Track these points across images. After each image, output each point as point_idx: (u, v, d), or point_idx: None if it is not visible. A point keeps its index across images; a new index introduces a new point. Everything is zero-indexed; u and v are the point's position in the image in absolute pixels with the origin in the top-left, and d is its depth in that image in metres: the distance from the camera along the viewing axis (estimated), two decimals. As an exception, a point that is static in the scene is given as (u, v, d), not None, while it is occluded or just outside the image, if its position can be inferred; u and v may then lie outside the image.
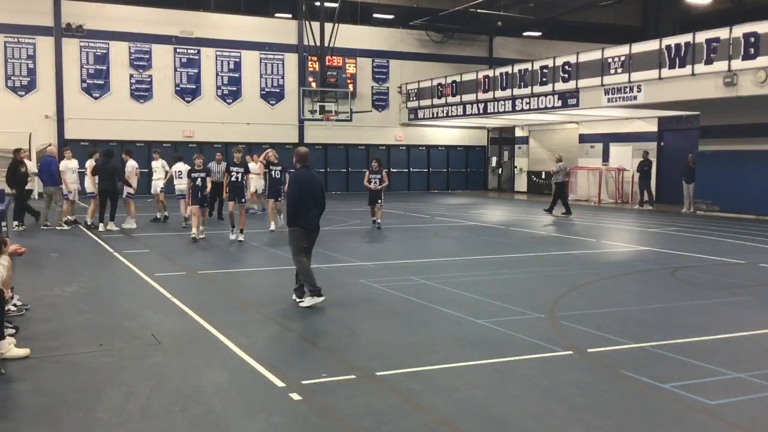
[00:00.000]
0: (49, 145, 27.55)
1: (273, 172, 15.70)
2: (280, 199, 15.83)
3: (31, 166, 17.73)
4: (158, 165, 18.21)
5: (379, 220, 17.46)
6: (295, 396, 5.47)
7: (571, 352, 6.70)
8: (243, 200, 14.81)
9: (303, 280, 8.58)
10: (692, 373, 6.16)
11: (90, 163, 16.87)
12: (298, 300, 8.66)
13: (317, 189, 8.72)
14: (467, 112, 29.46)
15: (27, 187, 17.55)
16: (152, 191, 18.19)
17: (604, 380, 6.03)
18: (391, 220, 19.73)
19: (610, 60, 22.42)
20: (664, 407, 5.38)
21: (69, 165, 17.01)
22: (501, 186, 36.43)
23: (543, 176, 33.38)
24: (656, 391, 5.66)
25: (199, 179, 14.57)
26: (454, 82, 30.21)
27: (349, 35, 31.92)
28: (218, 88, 30.97)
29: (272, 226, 16.12)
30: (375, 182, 17.15)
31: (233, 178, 14.49)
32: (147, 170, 20.48)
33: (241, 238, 14.41)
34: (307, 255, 8.73)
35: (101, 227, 16.15)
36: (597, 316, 8.22)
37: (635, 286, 10.49)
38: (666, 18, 35.80)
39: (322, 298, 8.50)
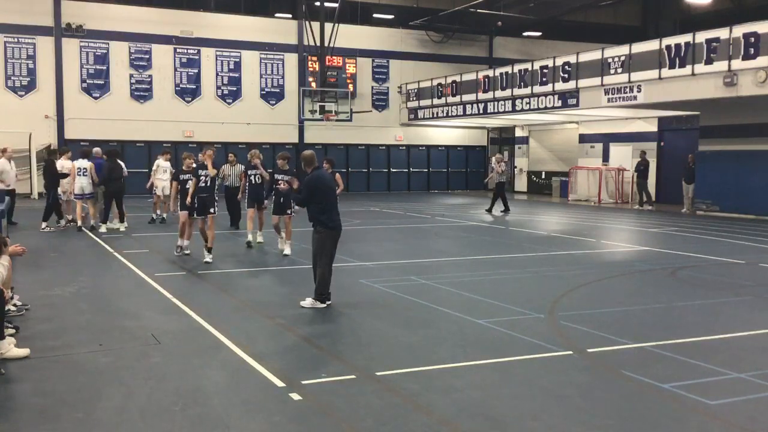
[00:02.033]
0: (49, 147, 27.76)
1: (254, 177, 13.77)
2: (264, 206, 14.00)
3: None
4: (166, 165, 18.20)
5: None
6: (295, 396, 5.47)
7: (571, 352, 6.70)
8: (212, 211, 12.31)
9: (318, 282, 8.50)
10: (692, 373, 6.16)
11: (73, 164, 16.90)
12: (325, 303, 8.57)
13: (334, 188, 8.78)
14: (467, 112, 29.46)
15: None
16: (158, 192, 18.08)
17: (604, 380, 6.03)
18: (392, 220, 19.74)
19: (610, 60, 22.41)
20: (664, 407, 5.38)
21: (65, 165, 17.04)
22: (501, 186, 36.40)
23: (543, 176, 33.43)
24: (656, 391, 5.66)
25: (189, 182, 12.27)
26: (454, 82, 30.20)
27: (349, 35, 31.91)
28: (218, 88, 30.97)
29: (249, 237, 13.87)
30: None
31: (201, 184, 12.03)
32: (146, 170, 20.51)
33: (208, 258, 11.87)
34: (330, 258, 8.59)
35: (103, 228, 16.15)
36: (597, 316, 8.22)
37: (635, 286, 10.49)
38: (666, 18, 35.81)
39: (323, 306, 8.49)
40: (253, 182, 13.80)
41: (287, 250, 12.77)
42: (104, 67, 29.04)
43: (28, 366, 6.20)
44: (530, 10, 33.13)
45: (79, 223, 16.52)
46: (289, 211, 12.75)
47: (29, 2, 27.79)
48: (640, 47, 21.60)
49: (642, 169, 25.12)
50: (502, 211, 22.02)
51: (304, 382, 5.76)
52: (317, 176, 8.65)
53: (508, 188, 35.42)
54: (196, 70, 30.54)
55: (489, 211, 22.23)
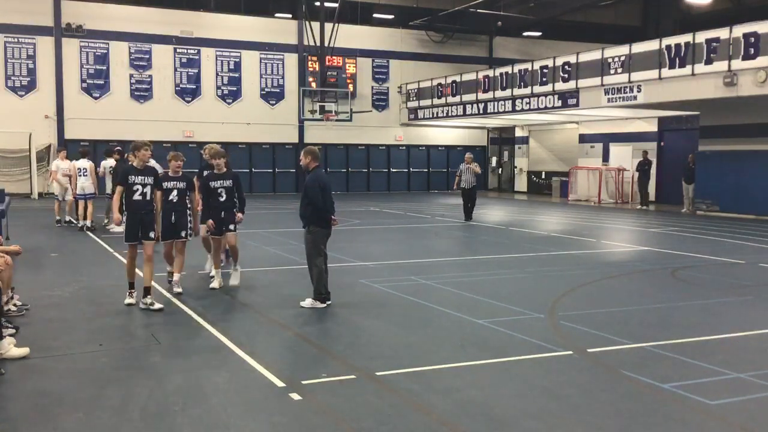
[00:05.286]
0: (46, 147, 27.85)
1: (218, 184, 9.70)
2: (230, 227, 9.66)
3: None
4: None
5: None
6: (295, 396, 5.47)
7: (571, 352, 6.70)
8: (188, 234, 9.22)
9: (315, 283, 8.51)
10: (692, 373, 6.16)
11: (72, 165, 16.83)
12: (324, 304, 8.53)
13: (331, 189, 8.76)
14: (467, 112, 29.47)
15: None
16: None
17: (604, 380, 6.02)
18: (391, 220, 19.73)
19: (610, 60, 22.42)
20: (664, 407, 5.37)
21: (61, 165, 17.08)
22: (501, 186, 36.44)
23: (543, 176, 33.43)
24: (656, 391, 5.66)
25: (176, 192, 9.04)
26: (454, 82, 30.21)
27: (349, 35, 31.93)
28: (218, 88, 30.98)
29: (210, 271, 10.06)
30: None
31: (137, 196, 8.55)
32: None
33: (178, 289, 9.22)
34: (324, 257, 8.62)
35: (117, 229, 16.19)
36: (597, 316, 8.22)
37: (635, 286, 10.49)
38: (666, 18, 35.78)
39: (323, 306, 8.48)
40: (212, 187, 9.54)
41: (235, 280, 9.76)
42: (104, 67, 29.05)
43: (28, 366, 6.20)
44: (530, 10, 33.14)
45: (81, 223, 16.51)
46: (232, 227, 9.59)
47: (29, 2, 27.79)
48: (640, 47, 21.61)
49: (646, 168, 25.16)
50: (466, 220, 19.65)
51: (304, 382, 5.76)
52: (323, 175, 8.69)
53: (507, 188, 35.63)
54: (196, 70, 30.54)
55: (469, 218, 19.77)
